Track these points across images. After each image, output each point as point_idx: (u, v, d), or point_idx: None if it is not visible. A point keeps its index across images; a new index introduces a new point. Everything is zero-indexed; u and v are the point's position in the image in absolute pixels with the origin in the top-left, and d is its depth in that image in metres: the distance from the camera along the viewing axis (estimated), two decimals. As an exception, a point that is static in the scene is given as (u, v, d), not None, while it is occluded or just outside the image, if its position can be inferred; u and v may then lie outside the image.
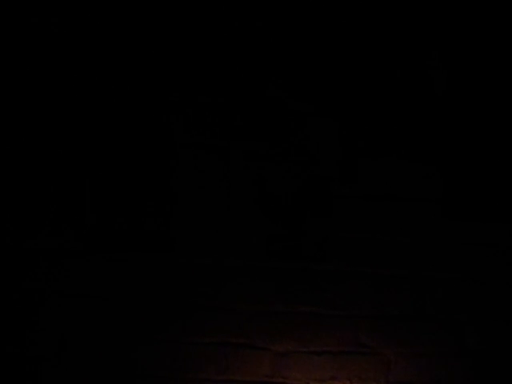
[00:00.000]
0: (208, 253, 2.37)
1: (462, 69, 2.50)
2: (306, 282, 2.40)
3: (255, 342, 2.37)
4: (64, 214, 2.35)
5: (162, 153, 2.39)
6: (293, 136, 2.42)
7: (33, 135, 2.36)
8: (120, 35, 2.39)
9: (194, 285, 2.36)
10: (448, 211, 2.46)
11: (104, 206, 2.36)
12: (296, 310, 2.39)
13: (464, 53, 2.50)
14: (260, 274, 2.39)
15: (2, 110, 2.33)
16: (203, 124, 2.39)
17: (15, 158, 2.35)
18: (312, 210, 2.42)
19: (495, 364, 2.46)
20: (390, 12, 2.47)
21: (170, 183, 2.38)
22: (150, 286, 2.35)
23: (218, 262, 2.37)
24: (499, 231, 2.48)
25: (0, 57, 2.32)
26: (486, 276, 2.47)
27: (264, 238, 2.39)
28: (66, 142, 2.37)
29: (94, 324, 2.32)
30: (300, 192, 2.41)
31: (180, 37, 2.40)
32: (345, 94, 2.45)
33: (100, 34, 2.38)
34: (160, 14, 2.40)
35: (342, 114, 2.45)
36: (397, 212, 2.44)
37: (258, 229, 2.39)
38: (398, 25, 2.47)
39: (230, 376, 2.36)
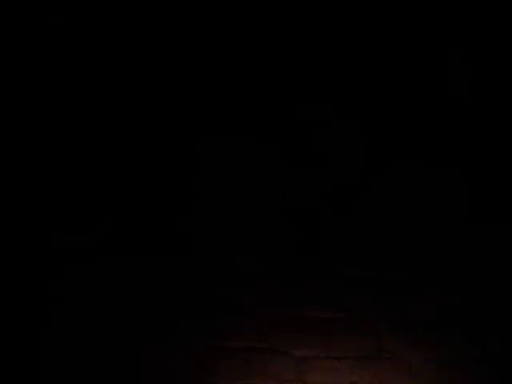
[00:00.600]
0: (227, 256, 2.39)
1: (486, 70, 2.49)
2: (326, 287, 2.40)
3: (276, 347, 2.38)
4: (82, 216, 2.39)
5: (183, 158, 2.43)
6: (315, 141, 2.45)
7: (49, 143, 2.43)
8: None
9: (215, 288, 2.39)
10: (472, 214, 2.45)
11: (122, 210, 2.40)
12: (317, 314, 2.39)
13: (486, 55, 2.49)
14: (281, 279, 2.40)
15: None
16: (224, 128, 2.44)
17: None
18: (333, 214, 2.43)
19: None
20: (412, 16, 2.48)
21: (189, 188, 2.42)
22: (171, 290, 2.38)
23: (238, 266, 2.39)
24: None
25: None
26: (509, 280, 2.44)
27: (285, 241, 2.41)
28: (84, 144, 2.43)
29: (112, 327, 2.35)
30: (321, 196, 2.43)
31: (197, 46, 2.46)
32: (367, 99, 2.47)
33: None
34: (179, 27, 2.47)
35: (365, 119, 2.46)
36: (419, 215, 2.44)
37: (278, 232, 2.41)
38: (421, 29, 2.48)
39: (251, 381, 2.36)
